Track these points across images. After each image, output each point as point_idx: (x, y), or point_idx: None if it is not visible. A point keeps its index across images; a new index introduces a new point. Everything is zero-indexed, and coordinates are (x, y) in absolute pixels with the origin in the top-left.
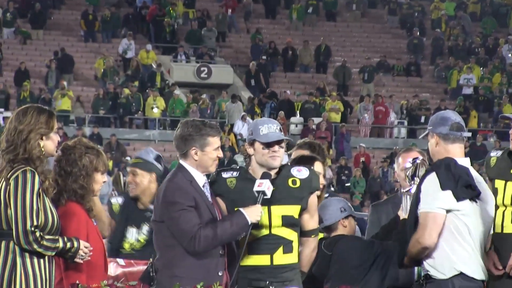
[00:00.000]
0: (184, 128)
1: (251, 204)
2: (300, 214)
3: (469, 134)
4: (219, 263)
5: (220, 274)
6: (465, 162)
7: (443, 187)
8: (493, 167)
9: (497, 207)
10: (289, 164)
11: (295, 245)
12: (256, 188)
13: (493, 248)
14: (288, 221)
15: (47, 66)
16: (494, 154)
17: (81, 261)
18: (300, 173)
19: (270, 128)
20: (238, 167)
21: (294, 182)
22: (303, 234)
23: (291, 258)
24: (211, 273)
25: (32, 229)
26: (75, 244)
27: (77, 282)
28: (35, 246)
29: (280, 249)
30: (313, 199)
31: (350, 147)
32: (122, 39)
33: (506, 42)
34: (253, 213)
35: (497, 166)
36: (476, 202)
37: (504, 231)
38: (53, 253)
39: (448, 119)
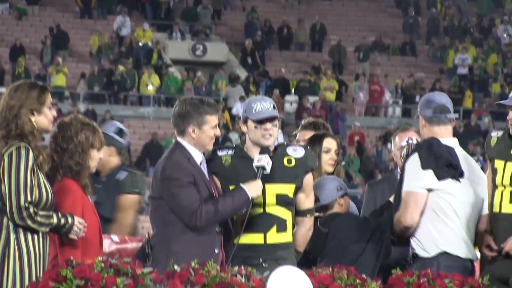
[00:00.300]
0: (182, 105)
1: (246, 182)
2: (296, 194)
3: (455, 116)
4: (216, 241)
5: (216, 251)
6: (451, 142)
7: (424, 167)
8: (493, 147)
9: (496, 187)
10: (285, 144)
11: (289, 224)
12: (255, 163)
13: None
14: (282, 200)
15: (42, 42)
16: (495, 134)
17: (76, 238)
18: (296, 152)
19: (263, 105)
20: (234, 145)
21: (289, 161)
22: (299, 213)
23: (285, 237)
24: (207, 250)
25: (26, 204)
26: (70, 220)
27: (72, 258)
28: (29, 222)
29: (274, 228)
30: (308, 179)
31: (345, 126)
32: (117, 16)
33: (501, 23)
34: (253, 188)
35: (497, 146)
36: (460, 181)
37: (502, 211)
38: (47, 229)
39: (432, 102)
